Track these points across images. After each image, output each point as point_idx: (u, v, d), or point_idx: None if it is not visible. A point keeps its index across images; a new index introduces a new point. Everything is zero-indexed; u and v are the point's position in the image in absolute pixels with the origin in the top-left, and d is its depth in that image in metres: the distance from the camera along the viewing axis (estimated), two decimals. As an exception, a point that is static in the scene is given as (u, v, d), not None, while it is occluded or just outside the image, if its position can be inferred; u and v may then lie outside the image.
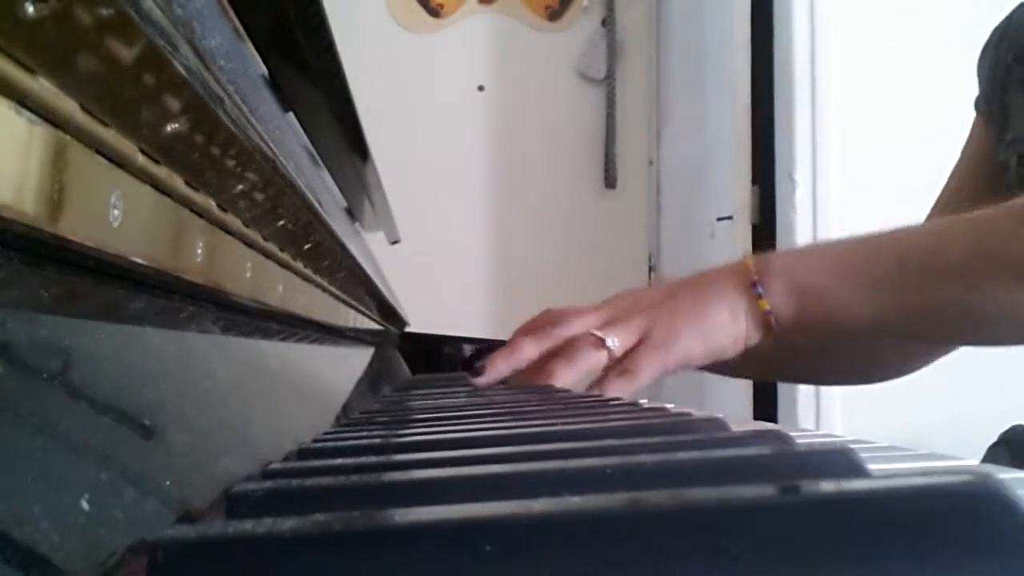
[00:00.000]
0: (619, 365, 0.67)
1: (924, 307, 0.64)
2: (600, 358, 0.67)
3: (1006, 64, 0.88)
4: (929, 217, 0.96)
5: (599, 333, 0.67)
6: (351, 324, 0.75)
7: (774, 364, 0.85)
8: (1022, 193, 0.82)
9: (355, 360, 0.76)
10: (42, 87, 0.18)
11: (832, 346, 0.80)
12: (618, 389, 0.65)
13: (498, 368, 0.70)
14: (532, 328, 0.74)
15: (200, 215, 0.30)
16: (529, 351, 0.70)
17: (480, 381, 0.69)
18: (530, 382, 0.68)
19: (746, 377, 0.99)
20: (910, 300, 0.64)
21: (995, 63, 0.90)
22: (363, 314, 0.83)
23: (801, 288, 0.67)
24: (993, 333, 0.69)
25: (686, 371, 0.71)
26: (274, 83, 0.58)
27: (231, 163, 0.31)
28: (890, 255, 0.66)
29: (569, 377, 0.67)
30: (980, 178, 0.90)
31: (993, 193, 0.86)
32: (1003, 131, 0.86)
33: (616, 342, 0.67)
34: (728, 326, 0.67)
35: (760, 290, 0.67)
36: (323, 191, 0.56)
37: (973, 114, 0.94)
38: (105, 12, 0.19)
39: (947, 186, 0.95)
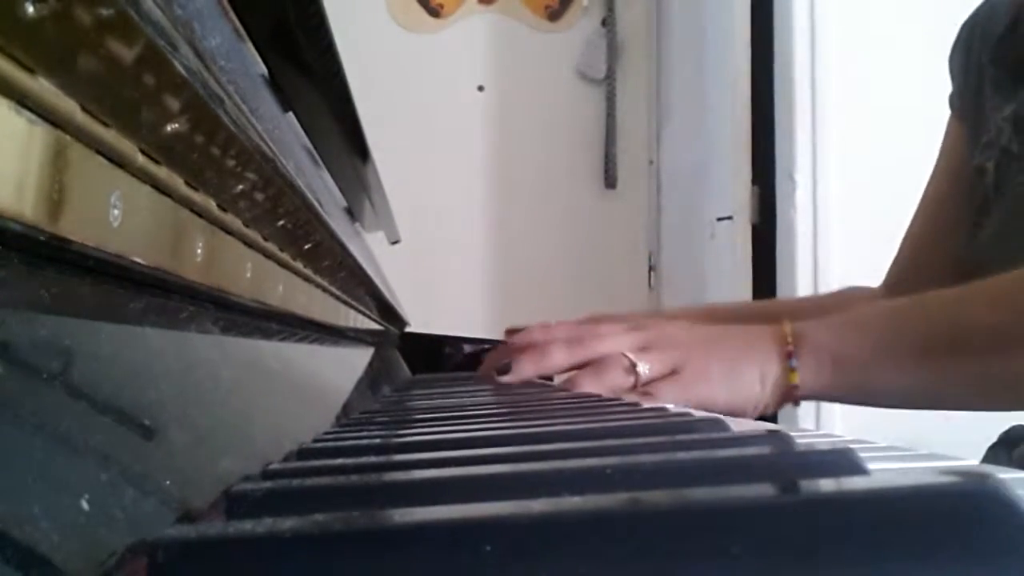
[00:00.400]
0: (642, 387, 0.67)
1: (960, 380, 0.64)
2: (627, 381, 0.67)
3: (979, 64, 0.88)
4: (913, 223, 0.96)
5: (633, 358, 0.67)
6: (351, 324, 0.75)
7: None
8: (998, 200, 0.82)
9: (355, 360, 0.76)
10: (42, 87, 0.18)
11: (869, 405, 0.80)
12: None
13: (525, 370, 0.70)
14: (567, 331, 0.73)
15: (200, 215, 0.30)
16: (559, 360, 0.70)
17: (505, 379, 0.69)
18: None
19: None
20: (948, 373, 0.64)
21: (966, 61, 0.90)
22: (363, 314, 0.83)
23: (835, 362, 0.67)
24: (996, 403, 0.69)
25: None
26: (274, 83, 0.58)
27: (231, 163, 0.31)
28: (926, 327, 0.65)
29: (593, 392, 0.67)
30: (958, 182, 0.90)
31: (971, 196, 0.86)
32: (978, 133, 0.86)
33: (647, 371, 0.67)
34: (755, 389, 0.68)
35: (794, 363, 0.67)
36: (323, 191, 0.56)
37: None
38: (105, 12, 0.19)
39: (926, 194, 0.95)
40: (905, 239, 0.97)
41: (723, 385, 0.67)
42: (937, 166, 0.95)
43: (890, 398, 0.68)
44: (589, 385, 0.67)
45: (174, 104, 0.24)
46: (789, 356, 0.67)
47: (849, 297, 0.98)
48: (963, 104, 0.90)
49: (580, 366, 0.69)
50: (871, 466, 0.21)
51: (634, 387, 0.67)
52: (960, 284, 0.67)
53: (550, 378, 0.78)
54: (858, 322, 0.70)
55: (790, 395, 0.68)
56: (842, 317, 0.71)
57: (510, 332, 0.76)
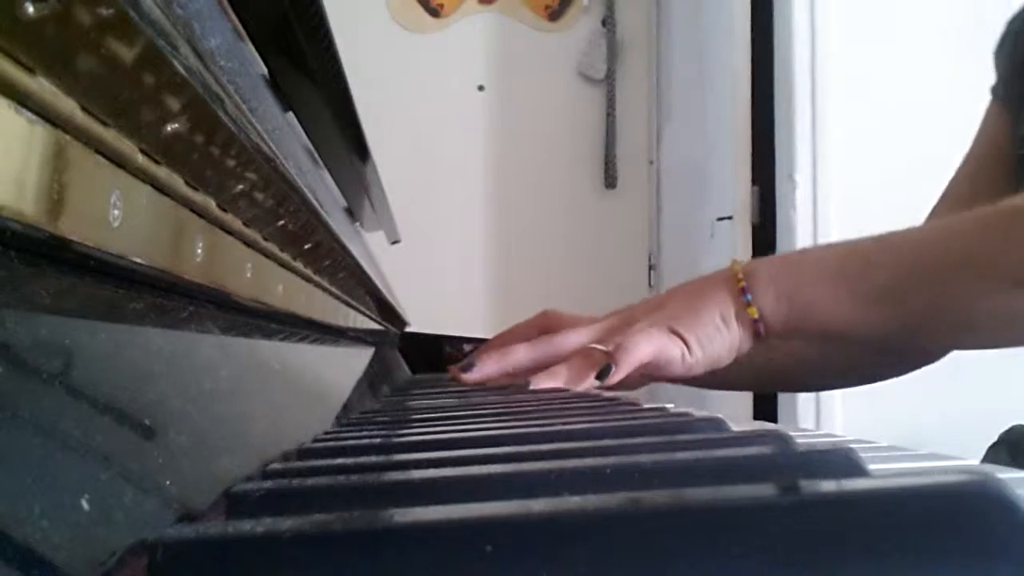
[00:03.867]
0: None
1: (917, 314, 0.64)
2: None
3: None
4: (940, 202, 0.95)
5: (600, 347, 0.67)
6: (351, 324, 0.75)
7: (767, 372, 0.85)
8: None
9: (355, 360, 0.76)
10: (42, 87, 0.18)
11: (825, 351, 0.80)
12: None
13: (487, 368, 0.69)
14: (528, 333, 0.73)
15: (200, 215, 0.30)
16: (521, 357, 0.69)
17: (467, 377, 0.69)
18: (522, 381, 0.68)
19: (741, 388, 0.98)
20: (902, 307, 0.64)
21: (1015, 50, 0.90)
22: (363, 314, 0.83)
23: (789, 296, 0.67)
24: (987, 339, 0.69)
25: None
26: (274, 83, 0.58)
27: (231, 163, 0.31)
28: (882, 262, 0.65)
29: (572, 381, 0.66)
30: (996, 166, 0.89)
31: (1009, 183, 0.86)
32: (1020, 121, 0.86)
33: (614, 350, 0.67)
34: (722, 332, 0.68)
35: (749, 297, 0.67)
36: (323, 191, 0.56)
37: (974, 112, 0.94)
38: (105, 12, 0.19)
39: (957, 177, 0.94)
40: (932, 216, 0.96)
41: (693, 340, 0.67)
42: (969, 154, 0.94)
43: (849, 332, 0.67)
44: (567, 373, 0.66)
45: (174, 104, 0.24)
46: (743, 292, 0.67)
47: None
48: (1008, 94, 0.90)
49: (545, 365, 0.68)
50: (871, 466, 0.21)
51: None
52: None
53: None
54: (814, 255, 0.70)
55: (755, 330, 0.67)
56: (799, 251, 0.71)
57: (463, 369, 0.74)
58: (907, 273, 0.64)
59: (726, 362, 0.69)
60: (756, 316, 0.67)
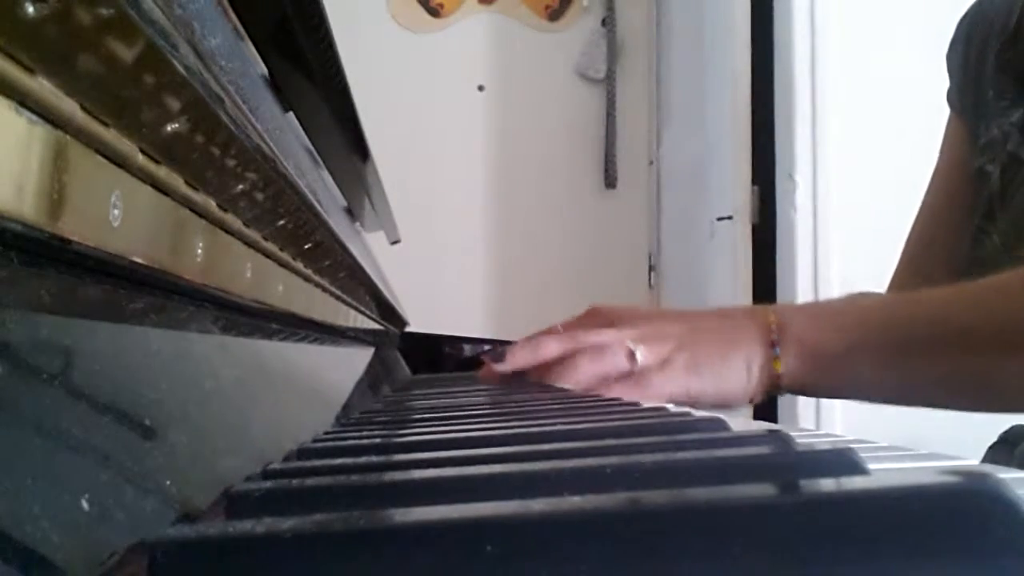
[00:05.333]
0: (634, 376, 0.68)
1: (939, 377, 0.65)
2: (626, 365, 0.67)
3: (978, 62, 0.88)
4: (913, 229, 0.96)
5: (631, 344, 0.68)
6: (351, 324, 0.75)
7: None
8: (1005, 207, 0.81)
9: (355, 360, 0.76)
10: (42, 87, 0.18)
11: (846, 396, 0.80)
12: (624, 393, 0.66)
13: (518, 359, 0.70)
14: (568, 327, 0.74)
15: (200, 215, 0.30)
16: (552, 349, 0.70)
17: (498, 367, 0.69)
18: (546, 376, 0.69)
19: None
20: (925, 371, 0.64)
21: (965, 58, 0.90)
22: (363, 314, 0.83)
23: (814, 354, 0.67)
24: (1014, 403, 0.69)
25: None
26: (274, 83, 0.58)
27: (231, 163, 0.31)
28: (905, 325, 0.65)
29: (592, 372, 0.67)
30: (960, 182, 0.89)
31: (973, 202, 0.86)
32: (977, 131, 0.86)
33: (643, 358, 0.68)
34: (742, 378, 0.68)
35: (778, 351, 0.67)
36: (323, 191, 0.56)
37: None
38: (105, 12, 0.19)
39: (927, 198, 0.95)
40: (906, 245, 0.97)
41: (712, 377, 0.68)
42: (937, 167, 0.94)
43: (867, 392, 0.68)
44: (588, 365, 0.67)
45: (174, 104, 0.24)
46: (773, 345, 0.68)
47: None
48: (962, 101, 0.90)
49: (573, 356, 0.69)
50: (871, 466, 0.21)
51: (630, 374, 0.68)
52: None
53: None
54: (840, 313, 0.70)
55: (775, 383, 0.68)
56: (826, 307, 0.71)
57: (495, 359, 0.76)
58: (932, 335, 0.64)
59: (738, 404, 0.70)
60: (780, 371, 0.67)
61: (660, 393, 0.67)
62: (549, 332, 0.75)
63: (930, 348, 0.64)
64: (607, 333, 0.70)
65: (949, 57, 0.93)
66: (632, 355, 0.67)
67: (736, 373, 0.68)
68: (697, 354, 0.68)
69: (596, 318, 0.74)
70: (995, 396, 0.66)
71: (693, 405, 0.69)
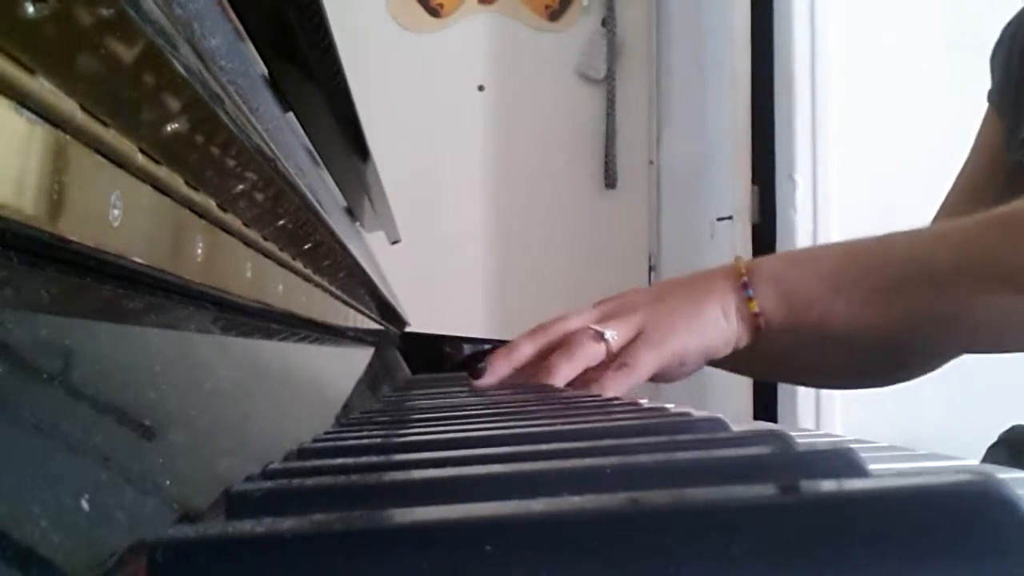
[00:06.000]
0: (617, 360, 0.68)
1: (913, 317, 0.65)
2: (599, 351, 0.68)
3: (1020, 64, 0.88)
4: (941, 209, 0.95)
5: (597, 327, 0.68)
6: (351, 324, 0.75)
7: (766, 364, 0.86)
8: None
9: (355, 360, 0.76)
10: (42, 87, 0.18)
11: (823, 350, 0.81)
12: (617, 383, 0.66)
13: (498, 368, 0.70)
14: (532, 330, 0.74)
15: (200, 215, 0.30)
16: (527, 349, 0.70)
17: (482, 382, 0.69)
18: (530, 379, 0.69)
19: (740, 373, 1.00)
20: (899, 310, 0.65)
21: (1008, 60, 0.90)
22: (363, 314, 0.83)
23: (789, 294, 0.68)
24: (986, 341, 0.70)
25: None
26: (274, 83, 0.58)
27: (231, 163, 0.31)
28: (879, 264, 0.66)
29: (569, 371, 0.67)
30: (995, 174, 0.90)
31: (1009, 190, 0.86)
32: (1016, 126, 0.87)
33: (614, 335, 0.68)
34: (721, 324, 0.69)
35: (751, 292, 0.68)
36: (323, 191, 0.56)
37: (974, 112, 0.94)
38: (105, 12, 0.19)
39: (957, 183, 0.95)
40: (936, 218, 0.96)
41: (689, 330, 0.69)
42: (969, 158, 0.95)
43: (843, 331, 0.68)
44: (563, 364, 0.67)
45: (174, 104, 0.24)
46: (745, 287, 0.68)
47: None
48: (1002, 100, 0.91)
49: (549, 352, 0.69)
50: (871, 466, 0.21)
51: (608, 358, 0.68)
52: None
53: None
54: (813, 254, 0.71)
55: (756, 325, 0.69)
56: (801, 250, 0.72)
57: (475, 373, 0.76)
58: (906, 274, 0.65)
59: (723, 352, 0.70)
60: (757, 310, 0.68)
61: (646, 363, 0.67)
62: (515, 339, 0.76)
63: (905, 285, 0.64)
64: (572, 319, 0.70)
65: (993, 57, 0.94)
66: (601, 337, 0.68)
67: (713, 322, 0.69)
68: (671, 314, 0.69)
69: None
70: (969, 334, 0.67)
71: (682, 364, 0.70)
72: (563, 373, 0.67)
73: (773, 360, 0.83)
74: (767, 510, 0.16)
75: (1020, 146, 0.86)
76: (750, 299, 0.68)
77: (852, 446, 0.23)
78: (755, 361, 0.80)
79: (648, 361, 0.67)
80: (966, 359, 0.83)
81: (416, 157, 2.38)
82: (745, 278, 0.69)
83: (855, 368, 0.87)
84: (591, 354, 0.68)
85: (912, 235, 0.67)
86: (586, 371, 0.69)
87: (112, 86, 0.21)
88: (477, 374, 0.69)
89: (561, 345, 0.69)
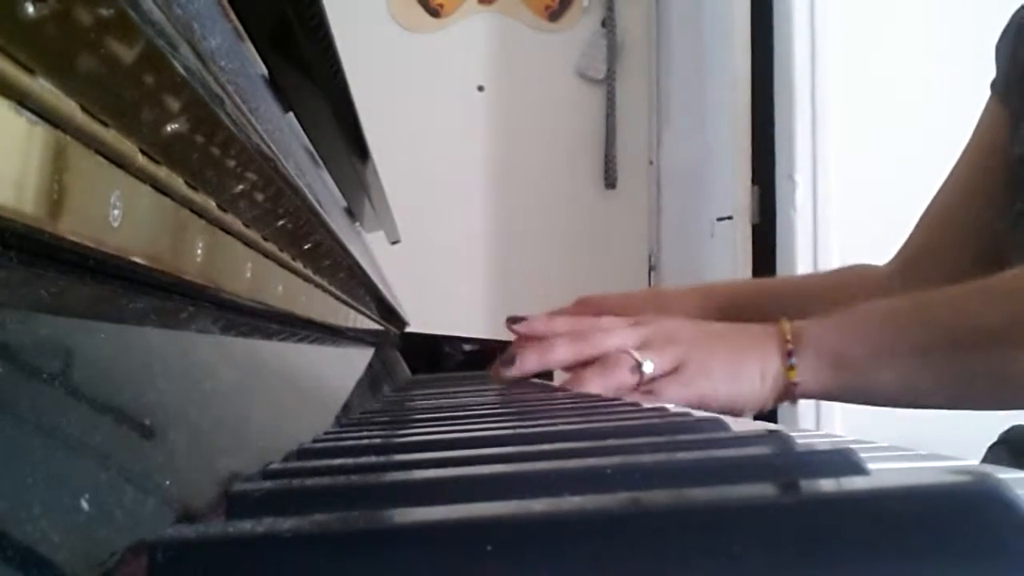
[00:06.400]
0: (644, 385, 0.67)
1: (959, 379, 0.65)
2: (632, 381, 0.67)
3: None
4: (933, 204, 0.95)
5: (638, 356, 0.67)
6: (351, 324, 0.75)
7: None
8: None
9: (355, 360, 0.76)
10: (42, 87, 0.18)
11: (867, 403, 0.81)
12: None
13: (529, 363, 0.70)
14: (569, 324, 0.73)
15: (200, 215, 0.30)
16: (564, 355, 0.70)
17: (508, 372, 0.69)
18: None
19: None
20: (944, 372, 0.65)
21: (1015, 49, 0.90)
22: (363, 314, 0.83)
23: (835, 363, 0.67)
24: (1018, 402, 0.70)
25: None
26: (274, 83, 0.58)
27: (231, 163, 0.31)
28: (923, 326, 0.66)
29: (600, 391, 0.67)
30: (995, 169, 0.89)
31: (1011, 187, 0.86)
32: (1020, 119, 0.86)
33: (651, 368, 0.68)
34: (755, 384, 0.68)
35: (793, 361, 0.67)
36: (323, 191, 0.56)
37: (974, 113, 0.93)
38: (105, 12, 0.19)
39: (952, 178, 0.94)
40: (923, 219, 0.96)
41: (724, 382, 0.68)
42: (969, 146, 0.94)
43: (888, 397, 0.69)
44: (594, 384, 0.67)
45: (174, 104, 0.24)
46: (789, 355, 0.68)
47: (851, 275, 0.98)
48: (1007, 90, 0.90)
49: (584, 362, 0.69)
50: (871, 466, 0.21)
51: (638, 385, 0.67)
52: (985, 271, 0.67)
53: (549, 376, 0.78)
54: (858, 321, 0.70)
55: (789, 393, 0.68)
56: (842, 315, 0.71)
57: (512, 320, 0.76)
58: (956, 338, 0.64)
59: (746, 413, 0.70)
60: (795, 380, 0.67)
61: (671, 399, 0.67)
62: (549, 322, 0.75)
63: (950, 348, 0.64)
64: (614, 336, 0.69)
65: (999, 46, 0.93)
66: (639, 367, 0.67)
67: (749, 381, 0.68)
68: (711, 360, 0.68)
69: (586, 308, 0.74)
70: (1014, 392, 0.66)
71: (702, 408, 0.69)
72: (593, 389, 0.66)
73: None
74: (767, 510, 0.16)
75: (1023, 141, 0.85)
76: (791, 368, 0.68)
77: (852, 446, 0.23)
78: None
79: (674, 397, 0.67)
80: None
81: (416, 157, 2.38)
82: (790, 345, 0.68)
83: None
84: (624, 381, 0.67)
85: (957, 294, 0.66)
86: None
87: (112, 86, 0.21)
88: (506, 362, 0.69)
89: (599, 361, 0.68)
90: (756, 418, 0.69)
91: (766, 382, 0.68)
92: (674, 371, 0.68)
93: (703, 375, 0.68)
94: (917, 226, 0.96)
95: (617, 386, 0.67)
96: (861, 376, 0.67)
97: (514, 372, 0.69)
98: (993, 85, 0.93)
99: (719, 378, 0.68)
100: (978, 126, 0.94)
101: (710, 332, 0.72)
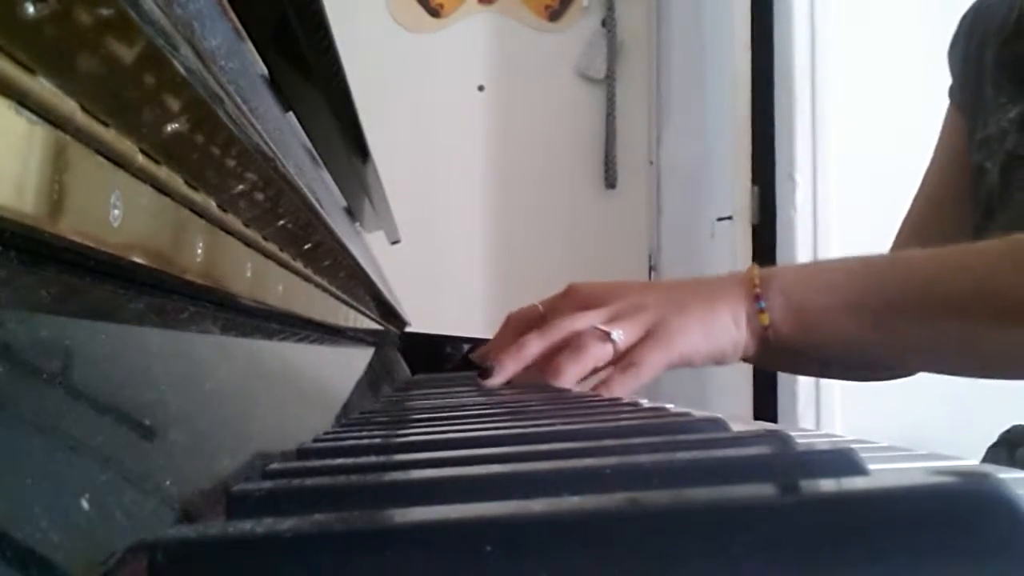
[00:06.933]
0: (623, 359, 0.67)
1: (923, 340, 0.65)
2: (606, 352, 0.67)
3: (978, 58, 0.88)
4: (910, 211, 0.96)
5: (604, 327, 0.68)
6: (351, 324, 0.75)
7: (774, 360, 0.86)
8: (1003, 205, 0.82)
9: (355, 360, 0.76)
10: (42, 87, 0.18)
11: (830, 356, 0.81)
12: (623, 384, 0.66)
13: (507, 368, 0.70)
14: (530, 319, 0.74)
15: (200, 215, 0.30)
16: (535, 348, 0.70)
17: (491, 382, 0.69)
18: (537, 378, 0.69)
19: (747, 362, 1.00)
20: (909, 333, 0.65)
21: (966, 54, 0.90)
22: (363, 314, 0.83)
23: (800, 308, 0.67)
24: (992, 368, 0.70)
25: (686, 369, 0.71)
26: (274, 83, 0.58)
27: (231, 163, 0.31)
28: (891, 285, 0.66)
29: (576, 372, 0.67)
30: (956, 179, 0.90)
31: (970, 196, 0.86)
32: (975, 127, 0.86)
33: (621, 336, 0.68)
34: (731, 331, 0.68)
35: (762, 304, 0.68)
36: (323, 191, 0.56)
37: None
38: (105, 12, 0.19)
39: (920, 192, 0.95)
40: (903, 225, 0.97)
41: (701, 334, 0.68)
42: (935, 155, 0.94)
43: (850, 351, 0.68)
44: (570, 365, 0.67)
45: (174, 104, 0.24)
46: (757, 298, 0.68)
47: None
48: (963, 96, 0.90)
49: (557, 349, 0.69)
50: (871, 466, 0.21)
51: (615, 358, 0.67)
52: None
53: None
54: (828, 269, 0.70)
55: (763, 336, 0.68)
56: (815, 263, 0.72)
57: (479, 359, 0.75)
58: (926, 300, 0.64)
59: (730, 360, 0.70)
60: (766, 323, 0.67)
61: (654, 363, 0.67)
62: (523, 314, 0.75)
63: (916, 312, 0.64)
64: (581, 318, 0.70)
65: (951, 53, 0.94)
66: (608, 337, 0.67)
67: (723, 329, 0.68)
68: (681, 317, 0.68)
69: (574, 297, 0.74)
70: (977, 362, 0.67)
71: (688, 366, 0.69)
72: (570, 374, 0.66)
73: (781, 357, 0.83)
74: (767, 510, 0.16)
75: (979, 148, 0.85)
76: (761, 311, 0.68)
77: (852, 446, 0.23)
78: (764, 358, 0.80)
79: (656, 361, 0.67)
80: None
81: (416, 157, 2.38)
82: (758, 289, 0.68)
83: (859, 369, 0.87)
84: (598, 355, 0.67)
85: (926, 259, 0.66)
86: (593, 369, 0.68)
87: (112, 86, 0.21)
88: (486, 374, 0.69)
89: (568, 344, 0.68)
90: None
91: (740, 327, 0.68)
92: (649, 336, 0.68)
93: (679, 332, 0.68)
94: (898, 234, 0.97)
95: (592, 363, 0.67)
96: (823, 327, 0.67)
97: (498, 380, 0.69)
98: (950, 93, 0.93)
99: (695, 332, 0.68)
100: (941, 135, 0.94)
101: (673, 288, 0.72)
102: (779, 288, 0.68)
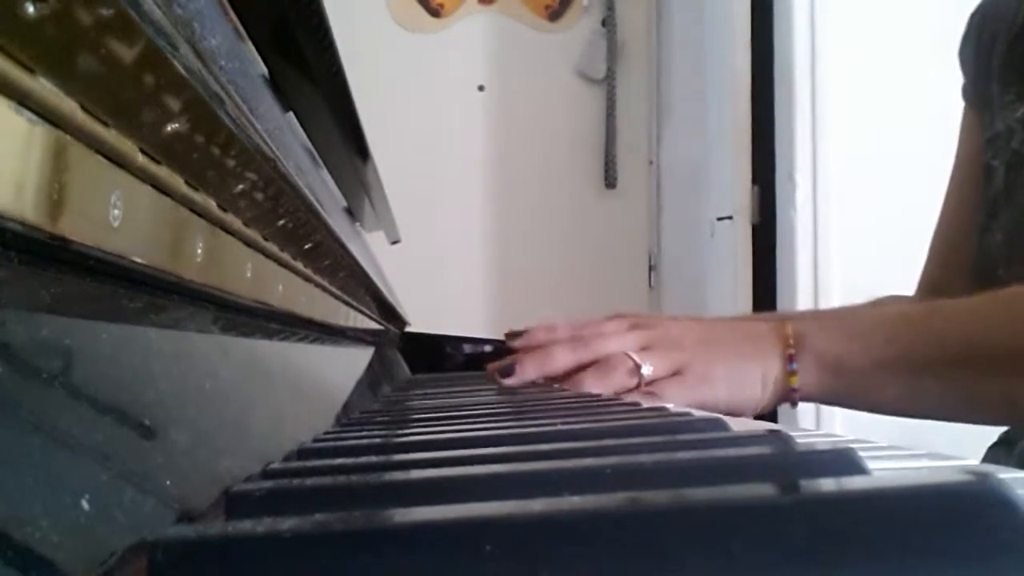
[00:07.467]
0: (646, 387, 0.67)
1: (962, 398, 0.65)
2: (631, 384, 0.67)
3: (987, 57, 0.88)
4: (939, 224, 0.94)
5: (637, 358, 0.67)
6: (351, 324, 0.75)
7: None
8: (1008, 204, 0.81)
9: (355, 360, 0.76)
10: (42, 87, 0.18)
11: (858, 409, 0.80)
12: None
13: (528, 372, 0.70)
14: (570, 331, 0.73)
15: (200, 215, 0.30)
16: (563, 360, 0.70)
17: (508, 382, 0.69)
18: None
19: None
20: (949, 390, 0.64)
21: (976, 53, 0.90)
22: (363, 314, 0.83)
23: (836, 370, 0.67)
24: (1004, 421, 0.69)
25: None
26: (274, 83, 0.58)
27: (231, 163, 0.31)
28: (933, 344, 0.65)
29: (597, 392, 0.67)
30: (978, 170, 0.88)
31: (982, 197, 0.85)
32: (989, 122, 0.86)
33: (650, 372, 0.67)
34: (756, 390, 0.68)
35: (794, 366, 0.67)
36: (323, 191, 0.56)
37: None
38: (105, 12, 0.19)
39: (947, 201, 0.94)
40: (934, 240, 0.95)
41: (725, 386, 0.68)
42: (957, 160, 0.93)
43: (885, 407, 0.68)
44: (593, 386, 0.67)
45: (174, 104, 0.24)
46: (790, 359, 0.68)
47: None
48: (975, 94, 0.90)
49: (584, 366, 0.69)
50: (871, 466, 0.21)
51: (637, 387, 0.67)
52: (975, 287, 0.67)
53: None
54: (861, 328, 0.69)
55: (789, 397, 0.68)
56: (846, 321, 0.71)
57: (510, 336, 0.76)
58: (954, 354, 0.64)
59: (747, 415, 0.69)
60: (795, 387, 0.67)
61: (674, 401, 0.66)
62: (549, 331, 0.75)
63: (956, 366, 0.63)
64: (614, 340, 0.69)
65: (962, 51, 0.93)
66: (637, 370, 0.67)
67: (750, 386, 0.68)
68: (712, 365, 0.68)
69: (616, 319, 0.74)
70: (1019, 413, 0.66)
71: (702, 409, 0.69)
72: (592, 391, 0.66)
73: None
74: (767, 510, 0.16)
75: (988, 146, 0.85)
76: (792, 373, 0.67)
77: (852, 446, 0.23)
78: None
79: (676, 400, 0.66)
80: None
81: (416, 157, 2.38)
82: (792, 350, 0.68)
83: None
84: (623, 382, 0.67)
85: (964, 310, 0.65)
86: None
87: (112, 86, 0.21)
88: (505, 372, 0.69)
89: (597, 364, 0.68)
90: (756, 418, 0.69)
91: (767, 387, 0.68)
92: (675, 375, 0.68)
93: (705, 381, 0.67)
94: (928, 259, 0.95)
95: (615, 389, 0.67)
96: (862, 386, 0.67)
97: (514, 382, 0.69)
98: (964, 93, 0.93)
99: (721, 384, 0.68)
100: (960, 137, 0.93)
101: (713, 336, 0.71)
102: (813, 348, 0.67)
